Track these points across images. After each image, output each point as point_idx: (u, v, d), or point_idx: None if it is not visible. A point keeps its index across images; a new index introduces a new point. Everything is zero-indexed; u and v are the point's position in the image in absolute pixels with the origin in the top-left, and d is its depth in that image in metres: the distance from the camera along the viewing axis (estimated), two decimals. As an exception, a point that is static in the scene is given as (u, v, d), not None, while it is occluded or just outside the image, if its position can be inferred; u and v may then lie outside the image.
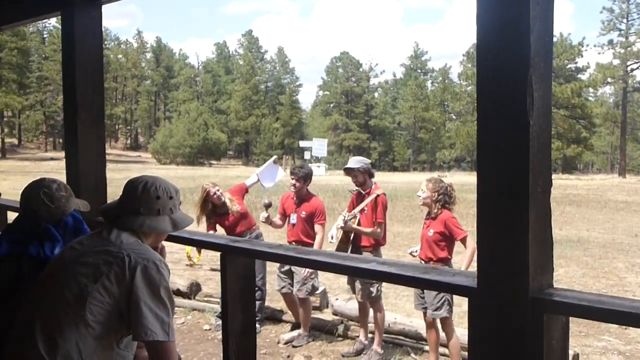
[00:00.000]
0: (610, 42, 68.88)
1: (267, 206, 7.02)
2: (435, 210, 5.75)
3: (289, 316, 7.43)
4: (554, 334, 1.85)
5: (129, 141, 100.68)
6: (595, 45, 70.31)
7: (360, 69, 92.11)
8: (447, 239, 5.72)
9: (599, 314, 1.83)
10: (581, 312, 1.83)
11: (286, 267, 6.86)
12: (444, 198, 5.78)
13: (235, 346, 3.00)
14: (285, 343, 6.72)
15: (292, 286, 6.87)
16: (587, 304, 1.78)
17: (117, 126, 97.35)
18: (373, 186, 6.40)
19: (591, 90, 75.80)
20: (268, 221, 6.93)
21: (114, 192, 2.90)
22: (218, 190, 7.07)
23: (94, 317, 2.34)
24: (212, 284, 9.17)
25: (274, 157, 8.18)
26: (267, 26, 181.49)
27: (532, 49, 1.73)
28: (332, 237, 6.47)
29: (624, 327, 7.29)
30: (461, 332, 6.07)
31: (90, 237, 2.66)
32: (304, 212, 6.77)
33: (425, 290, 5.63)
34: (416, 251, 6.07)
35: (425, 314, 5.85)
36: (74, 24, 3.72)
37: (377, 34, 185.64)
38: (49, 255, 2.89)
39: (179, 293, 8.27)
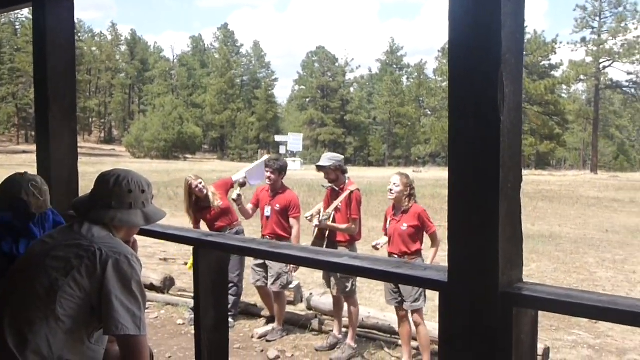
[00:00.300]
0: (583, 39, 69.68)
1: (241, 185, 7.00)
2: (407, 204, 5.81)
3: (264, 311, 7.43)
4: (523, 327, 1.87)
5: (102, 134, 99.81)
6: (568, 43, 71.35)
7: (336, 64, 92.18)
8: (420, 231, 5.83)
9: (566, 308, 1.85)
10: (549, 306, 1.86)
11: (260, 261, 6.85)
12: (414, 192, 5.90)
13: (207, 341, 2.99)
14: (259, 337, 6.72)
15: (267, 279, 6.87)
16: (555, 298, 1.80)
17: (90, 119, 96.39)
18: (347, 182, 6.41)
19: (564, 87, 76.47)
20: (238, 201, 6.85)
21: (87, 185, 2.88)
22: (200, 183, 7.04)
23: (64, 311, 2.33)
24: (186, 279, 9.12)
25: (266, 156, 8.11)
26: (243, 20, 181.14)
27: (504, 46, 1.74)
28: (310, 216, 6.45)
29: (594, 321, 7.39)
30: (434, 325, 6.13)
31: (61, 231, 2.64)
32: (278, 205, 6.77)
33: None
34: (381, 245, 6.13)
35: (398, 308, 5.89)
36: (45, 15, 3.67)
37: (353, 28, 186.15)
38: (22, 254, 2.88)
39: (152, 287, 8.23)
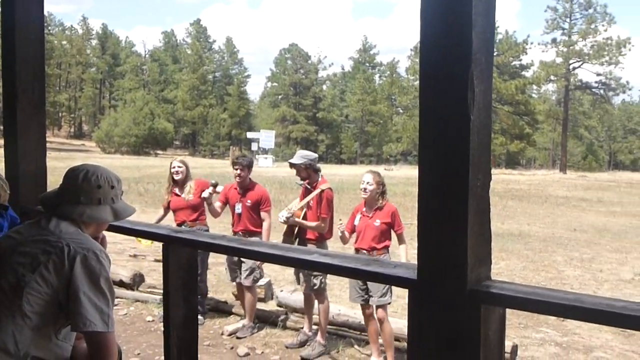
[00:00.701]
0: (554, 40, 70.42)
1: (214, 185, 7.02)
2: (380, 202, 5.87)
3: (234, 308, 7.42)
4: (491, 325, 1.89)
5: (72, 129, 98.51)
6: (539, 43, 71.96)
7: (309, 61, 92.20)
8: (390, 228, 5.93)
9: (533, 306, 1.87)
10: (517, 304, 1.87)
11: (235, 258, 6.85)
12: (386, 189, 5.97)
13: (176, 338, 2.98)
14: (230, 334, 6.70)
15: (243, 275, 6.89)
16: (522, 296, 1.82)
17: (60, 114, 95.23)
18: (320, 179, 6.41)
19: (535, 87, 77.17)
20: (209, 200, 6.86)
21: (56, 180, 2.84)
22: (180, 167, 7.14)
23: (31, 307, 2.30)
24: (156, 275, 9.07)
25: None
26: (216, 16, 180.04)
27: (474, 45, 1.75)
28: (282, 216, 6.43)
29: (562, 319, 7.49)
30: (403, 322, 6.17)
31: (28, 226, 2.60)
32: (249, 201, 6.80)
33: (368, 281, 5.71)
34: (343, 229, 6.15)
35: (364, 306, 5.92)
36: (14, 6, 3.63)
37: (326, 26, 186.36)
38: None
39: (122, 284, 8.17)
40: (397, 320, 6.58)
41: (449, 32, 1.80)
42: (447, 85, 1.81)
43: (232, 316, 7.33)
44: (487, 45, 1.83)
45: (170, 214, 7.36)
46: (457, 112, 1.78)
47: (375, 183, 5.90)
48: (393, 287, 5.74)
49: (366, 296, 5.84)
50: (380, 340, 6.03)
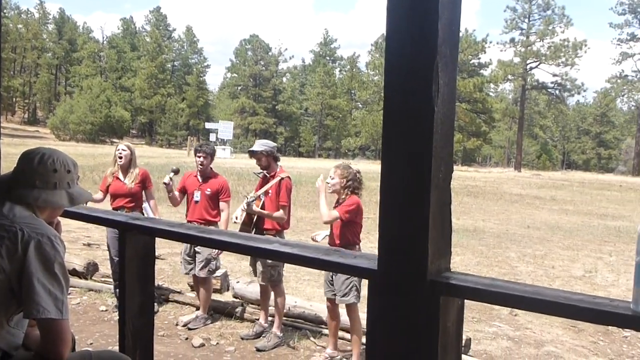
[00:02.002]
0: (512, 40, 71.56)
1: (175, 172, 6.93)
2: (344, 196, 5.75)
3: (190, 299, 7.37)
4: (450, 316, 1.89)
5: (26, 115, 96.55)
6: (498, 43, 73.38)
7: (270, 53, 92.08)
8: (350, 223, 5.74)
9: (493, 297, 1.87)
10: (476, 295, 1.88)
11: (191, 251, 6.79)
12: (353, 184, 5.76)
13: (132, 326, 2.94)
14: (184, 325, 6.65)
15: (197, 267, 6.83)
16: (482, 287, 1.83)
17: (14, 99, 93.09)
18: (278, 169, 6.39)
19: (492, 85, 78.20)
20: (169, 187, 6.80)
21: (8, 167, 2.77)
22: (125, 151, 7.08)
23: (-19, 293, 2.24)
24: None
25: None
26: (176, 4, 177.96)
27: (440, 37, 1.75)
28: (236, 218, 6.43)
29: (514, 313, 7.61)
30: (362, 316, 6.21)
31: (-20, 211, 2.53)
32: (209, 189, 6.75)
33: (334, 277, 5.67)
34: (322, 237, 6.09)
35: (331, 300, 5.86)
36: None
37: (287, 18, 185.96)
38: None
39: (75, 273, 8.04)
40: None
41: (414, 22, 1.79)
42: (412, 76, 1.80)
43: (187, 307, 7.27)
44: (453, 38, 1.83)
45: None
46: (421, 103, 1.78)
47: (337, 176, 5.80)
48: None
49: (334, 292, 5.77)
50: (340, 334, 6.03)
